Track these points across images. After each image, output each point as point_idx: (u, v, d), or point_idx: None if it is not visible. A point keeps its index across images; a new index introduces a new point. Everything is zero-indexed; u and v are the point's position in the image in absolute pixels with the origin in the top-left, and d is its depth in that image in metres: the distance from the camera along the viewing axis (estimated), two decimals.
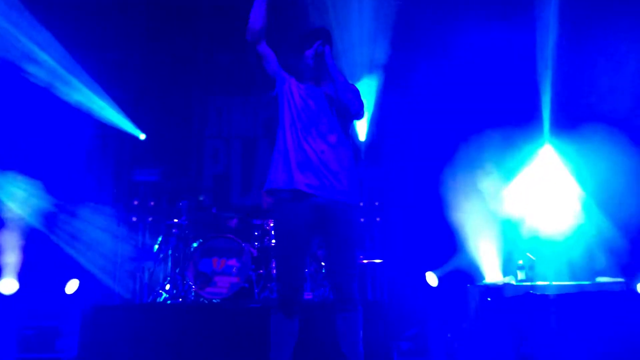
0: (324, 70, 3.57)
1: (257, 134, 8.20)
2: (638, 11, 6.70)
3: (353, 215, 3.48)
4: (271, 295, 6.10)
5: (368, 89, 7.58)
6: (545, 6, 7.02)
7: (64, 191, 6.82)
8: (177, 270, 6.17)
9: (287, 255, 3.43)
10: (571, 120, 6.86)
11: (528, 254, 6.38)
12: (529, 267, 6.31)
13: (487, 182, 7.02)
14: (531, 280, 6.16)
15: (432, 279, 6.90)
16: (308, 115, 3.50)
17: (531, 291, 4.46)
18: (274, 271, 6.23)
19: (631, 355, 4.15)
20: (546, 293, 4.41)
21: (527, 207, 7.02)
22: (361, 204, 7.59)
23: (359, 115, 3.57)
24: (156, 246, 6.56)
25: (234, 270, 6.09)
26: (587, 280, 6.11)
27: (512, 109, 7.10)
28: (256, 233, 6.43)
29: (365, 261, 7.29)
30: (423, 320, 6.75)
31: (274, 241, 6.30)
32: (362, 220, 7.55)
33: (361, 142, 7.83)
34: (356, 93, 3.58)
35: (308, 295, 6.18)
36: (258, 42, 3.56)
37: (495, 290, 5.84)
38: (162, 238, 6.55)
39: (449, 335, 6.15)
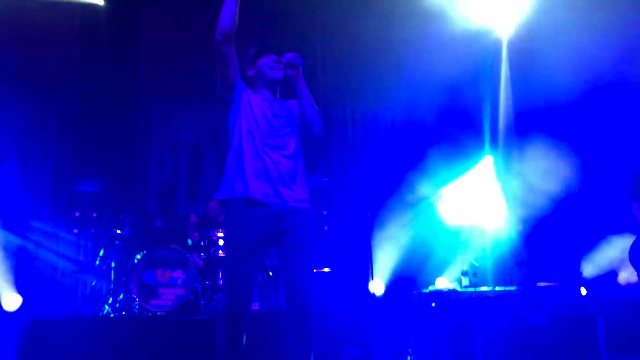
0: (290, 83, 3.55)
1: (204, 142, 8.11)
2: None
3: (309, 220, 3.46)
4: (218, 307, 6.02)
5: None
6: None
7: None
8: (120, 283, 6.02)
9: (238, 265, 3.35)
10: (511, 133, 7.16)
11: (471, 261, 6.53)
12: (473, 274, 6.46)
13: (431, 191, 7.19)
14: (475, 286, 6.30)
15: (378, 287, 6.96)
16: (266, 126, 3.46)
17: (473, 296, 4.57)
18: (220, 282, 6.17)
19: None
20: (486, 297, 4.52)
21: (468, 215, 7.22)
22: (324, 212, 7.63)
23: (319, 135, 3.56)
24: (98, 259, 6.39)
25: (179, 281, 5.98)
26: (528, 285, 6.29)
27: (458, 122, 7.32)
28: (202, 243, 6.34)
29: (314, 270, 7.30)
30: (369, 328, 6.80)
31: (221, 252, 6.23)
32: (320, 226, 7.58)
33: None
34: (318, 112, 3.58)
35: (255, 306, 6.15)
36: (227, 43, 3.46)
37: (440, 296, 5.94)
38: (105, 250, 6.38)
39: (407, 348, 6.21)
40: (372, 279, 6.79)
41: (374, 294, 6.87)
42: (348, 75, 7.93)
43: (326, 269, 7.33)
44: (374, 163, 7.68)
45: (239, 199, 3.37)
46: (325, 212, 7.78)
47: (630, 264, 5.22)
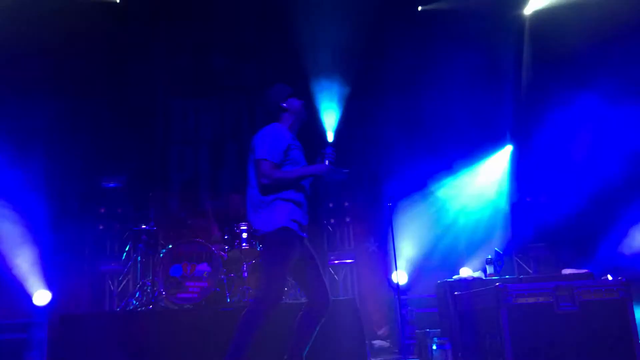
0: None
1: (224, 137, 8.16)
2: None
3: None
4: (243, 299, 6.06)
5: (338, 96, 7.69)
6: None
7: (26, 203, 6.67)
8: (147, 277, 6.09)
9: (285, 275, 3.97)
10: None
11: (496, 249, 6.50)
12: (498, 262, 6.42)
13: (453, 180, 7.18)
14: (500, 275, 6.27)
15: (401, 277, 6.96)
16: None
17: (497, 284, 4.55)
18: (245, 274, 6.22)
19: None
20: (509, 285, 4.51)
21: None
22: (346, 204, 7.76)
23: None
24: (124, 254, 6.46)
25: (204, 274, 6.03)
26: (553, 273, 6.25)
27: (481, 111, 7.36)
28: (226, 237, 6.38)
29: (336, 262, 7.33)
30: (394, 319, 6.80)
31: (245, 244, 6.28)
32: None
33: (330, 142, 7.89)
34: None
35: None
36: None
37: (464, 284, 5.92)
38: (131, 245, 6.45)
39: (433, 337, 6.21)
40: (395, 269, 6.81)
41: (397, 284, 6.88)
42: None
43: (349, 261, 7.37)
44: (393, 153, 7.68)
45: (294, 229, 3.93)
46: (346, 204, 7.80)
47: None
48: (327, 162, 4.13)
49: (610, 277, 5.48)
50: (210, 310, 5.63)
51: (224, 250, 6.32)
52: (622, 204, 6.51)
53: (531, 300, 4.47)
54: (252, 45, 7.73)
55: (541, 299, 4.45)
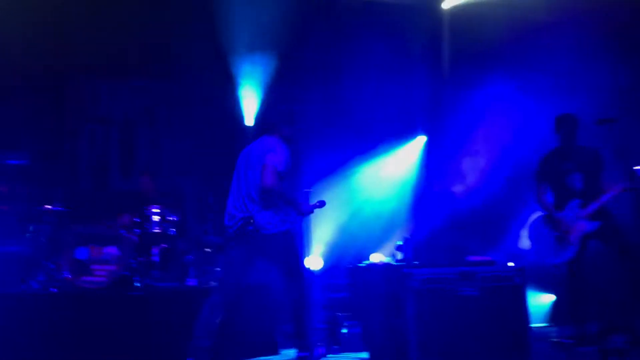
0: None
1: (137, 118, 7.90)
2: None
3: None
4: (153, 283, 5.95)
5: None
6: None
7: None
8: (51, 259, 5.85)
9: None
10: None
11: (406, 235, 6.67)
12: (407, 248, 6.60)
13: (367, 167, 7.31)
14: (409, 261, 6.44)
15: (315, 262, 7.03)
16: None
17: (403, 270, 4.71)
18: (157, 258, 6.12)
19: None
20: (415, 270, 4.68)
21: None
22: None
23: None
24: (28, 234, 6.17)
25: (112, 258, 5.86)
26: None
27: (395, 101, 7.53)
28: (136, 220, 6.23)
29: None
30: (306, 304, 6.86)
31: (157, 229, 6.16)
32: None
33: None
34: None
35: (193, 282, 6.11)
36: None
37: (375, 269, 6.06)
38: (35, 226, 6.17)
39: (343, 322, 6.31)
40: (310, 255, 6.88)
41: (311, 270, 6.95)
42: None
43: None
44: (311, 139, 7.72)
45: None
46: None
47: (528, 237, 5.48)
48: (312, 210, 4.91)
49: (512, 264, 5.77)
50: (118, 295, 5.51)
51: (134, 233, 6.17)
52: (531, 193, 6.84)
53: (435, 285, 4.65)
54: (170, 27, 7.52)
55: (445, 284, 4.64)
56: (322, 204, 4.97)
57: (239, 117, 7.84)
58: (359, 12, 7.91)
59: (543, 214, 5.39)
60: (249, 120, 7.85)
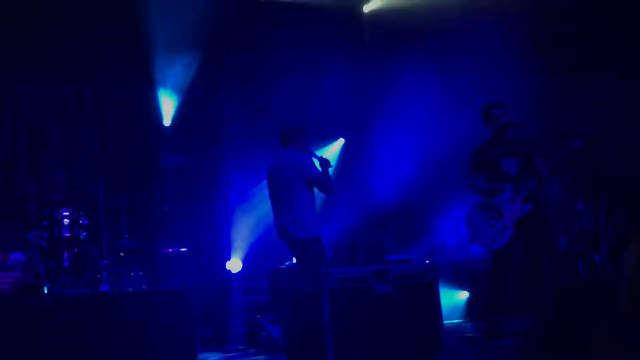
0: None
1: (47, 118, 7.52)
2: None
3: None
4: (64, 290, 5.70)
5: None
6: None
7: None
8: None
9: None
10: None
11: (327, 236, 6.69)
12: (328, 249, 6.61)
13: None
14: (329, 261, 6.46)
15: (236, 265, 6.94)
16: None
17: (320, 269, 4.71)
18: (66, 263, 5.87)
19: None
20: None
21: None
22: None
23: None
24: None
25: (18, 264, 5.58)
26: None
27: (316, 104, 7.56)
28: (45, 223, 5.95)
29: (170, 250, 7.14)
30: (226, 307, 6.77)
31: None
32: None
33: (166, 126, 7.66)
34: None
35: (104, 287, 5.90)
36: None
37: (294, 270, 6.03)
38: None
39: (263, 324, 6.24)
40: (230, 257, 6.78)
41: (231, 273, 6.85)
42: None
43: (184, 249, 7.19)
44: (235, 142, 7.63)
45: None
46: (181, 190, 7.62)
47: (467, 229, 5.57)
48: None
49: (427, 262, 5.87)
50: (25, 303, 5.24)
51: (42, 237, 5.89)
52: (453, 193, 6.98)
53: (351, 283, 4.67)
54: (85, 27, 7.25)
55: (360, 283, 4.67)
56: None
57: (157, 118, 7.65)
58: (281, 13, 7.89)
59: (478, 201, 5.42)
60: (167, 121, 7.67)
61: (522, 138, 5.29)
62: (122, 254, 6.26)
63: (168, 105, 7.70)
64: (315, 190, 5.05)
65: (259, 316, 6.45)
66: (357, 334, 4.60)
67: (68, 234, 5.86)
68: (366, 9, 8.36)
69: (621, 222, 7.07)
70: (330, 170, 4.99)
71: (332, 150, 8.09)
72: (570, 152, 5.04)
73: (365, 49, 8.35)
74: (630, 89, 6.70)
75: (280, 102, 7.80)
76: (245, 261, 7.07)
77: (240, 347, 6.27)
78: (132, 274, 6.08)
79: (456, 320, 7.12)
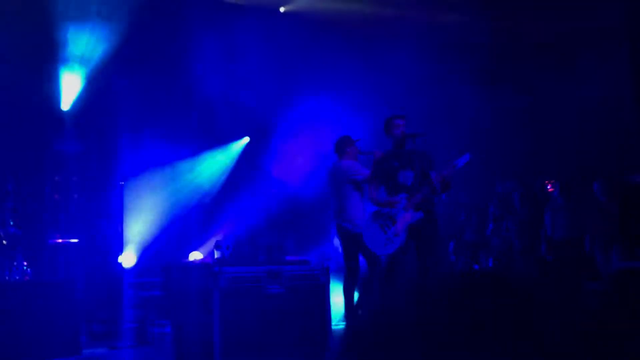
0: None
1: None
2: None
3: None
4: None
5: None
6: None
7: None
8: None
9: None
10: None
11: (222, 235, 6.65)
12: (226, 247, 6.56)
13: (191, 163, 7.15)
14: (226, 260, 6.40)
15: (128, 259, 6.74)
16: None
17: (213, 268, 4.66)
18: None
19: None
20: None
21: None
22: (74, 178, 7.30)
23: None
24: None
25: None
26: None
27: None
28: None
29: (59, 240, 6.82)
30: (116, 302, 6.57)
31: None
32: None
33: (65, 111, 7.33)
34: None
35: None
36: None
37: (190, 267, 5.95)
38: None
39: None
40: (123, 250, 6.58)
41: (123, 267, 6.65)
42: None
43: (74, 240, 6.90)
44: (134, 132, 7.39)
45: None
46: (75, 179, 7.29)
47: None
48: None
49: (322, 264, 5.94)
50: None
51: None
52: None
53: (244, 283, 4.65)
54: None
55: (253, 282, 4.66)
56: None
57: (54, 102, 7.29)
58: (198, 8, 7.75)
59: (374, 209, 5.56)
60: (66, 105, 7.33)
61: (419, 151, 5.46)
62: (4, 242, 5.91)
63: (69, 89, 7.36)
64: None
65: (149, 313, 6.30)
66: (248, 333, 4.58)
67: None
68: (283, 8, 8.37)
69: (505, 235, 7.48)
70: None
71: (235, 149, 8.04)
72: (459, 168, 5.28)
73: (282, 48, 8.34)
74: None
75: (180, 95, 7.67)
76: (139, 256, 6.88)
77: (128, 344, 6.10)
78: (15, 263, 5.75)
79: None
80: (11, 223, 6.01)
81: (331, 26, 7.89)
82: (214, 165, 7.85)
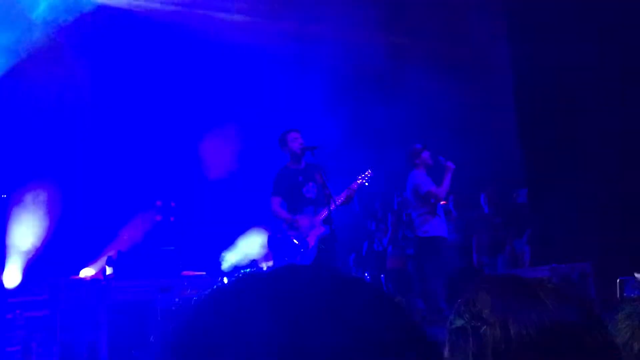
0: None
1: None
2: None
3: None
4: None
5: None
6: None
7: None
8: None
9: None
10: None
11: (120, 250, 6.36)
12: (120, 263, 6.27)
13: None
14: (120, 276, 6.11)
15: (12, 277, 6.30)
16: None
17: (101, 282, 4.43)
18: None
19: None
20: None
21: None
22: None
23: None
24: None
25: None
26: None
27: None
28: None
29: None
30: None
31: None
32: None
33: None
34: None
35: None
36: None
37: (84, 285, 5.65)
38: None
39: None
40: (4, 268, 6.15)
41: (5, 286, 6.20)
42: None
43: None
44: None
45: None
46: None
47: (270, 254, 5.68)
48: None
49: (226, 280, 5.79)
50: None
51: None
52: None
53: (133, 297, 4.45)
54: None
55: (143, 296, 4.46)
56: None
57: None
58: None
59: (280, 224, 5.57)
60: None
61: (315, 163, 5.51)
62: None
63: None
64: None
65: (35, 333, 5.87)
66: (136, 347, 4.37)
67: None
68: None
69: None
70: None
71: None
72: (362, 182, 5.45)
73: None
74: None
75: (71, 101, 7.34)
76: (24, 273, 6.42)
77: None
78: None
79: None
80: None
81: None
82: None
